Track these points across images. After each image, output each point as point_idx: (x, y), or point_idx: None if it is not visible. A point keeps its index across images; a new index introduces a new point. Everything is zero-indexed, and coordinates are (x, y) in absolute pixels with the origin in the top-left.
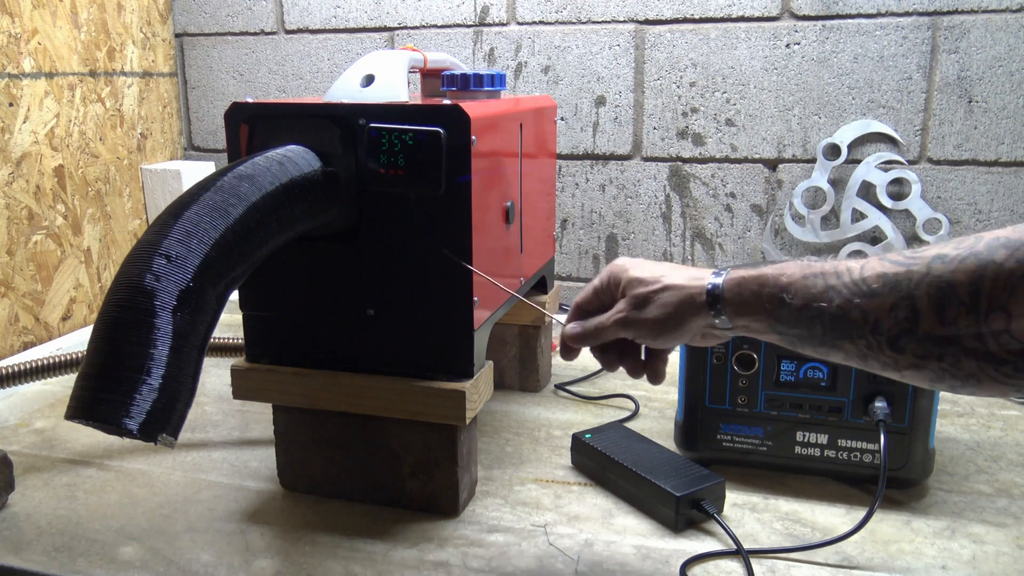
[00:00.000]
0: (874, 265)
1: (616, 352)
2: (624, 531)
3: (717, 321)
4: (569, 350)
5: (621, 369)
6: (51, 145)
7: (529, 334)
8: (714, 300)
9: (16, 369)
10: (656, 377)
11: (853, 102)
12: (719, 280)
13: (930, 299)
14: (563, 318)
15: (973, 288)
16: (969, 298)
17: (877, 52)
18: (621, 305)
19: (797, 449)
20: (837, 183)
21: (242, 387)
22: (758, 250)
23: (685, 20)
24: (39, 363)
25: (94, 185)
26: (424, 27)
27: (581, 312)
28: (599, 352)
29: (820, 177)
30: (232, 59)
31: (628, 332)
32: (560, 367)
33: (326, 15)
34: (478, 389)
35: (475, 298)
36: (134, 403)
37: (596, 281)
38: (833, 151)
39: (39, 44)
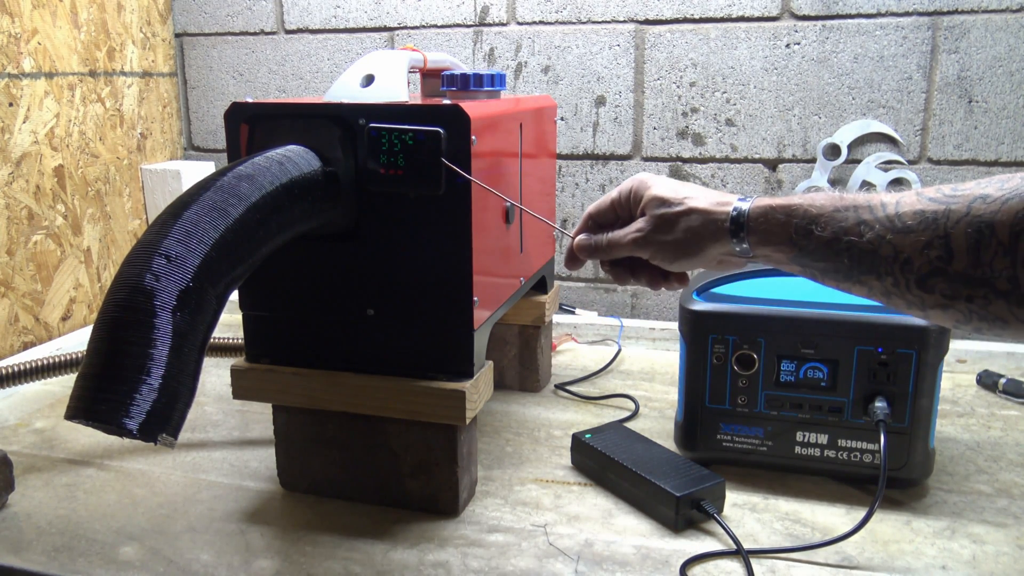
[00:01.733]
0: (911, 201)
1: (628, 268)
2: (624, 531)
3: (738, 249)
4: (575, 260)
5: (622, 368)
6: (51, 145)
7: (529, 334)
8: (738, 227)
9: (16, 369)
10: (681, 281)
11: (853, 102)
12: (745, 206)
13: (967, 239)
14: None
15: (1015, 230)
16: (1009, 240)
17: (877, 52)
18: (640, 224)
19: (797, 449)
20: (837, 183)
21: (242, 387)
22: None
23: (685, 20)
24: (39, 363)
25: (94, 185)
26: (424, 27)
27: (593, 223)
28: (609, 266)
29: (820, 177)
30: (232, 59)
31: (644, 252)
32: (560, 367)
33: (326, 15)
34: (478, 389)
35: (475, 298)
36: (134, 403)
37: (614, 192)
38: (833, 151)
39: (39, 44)
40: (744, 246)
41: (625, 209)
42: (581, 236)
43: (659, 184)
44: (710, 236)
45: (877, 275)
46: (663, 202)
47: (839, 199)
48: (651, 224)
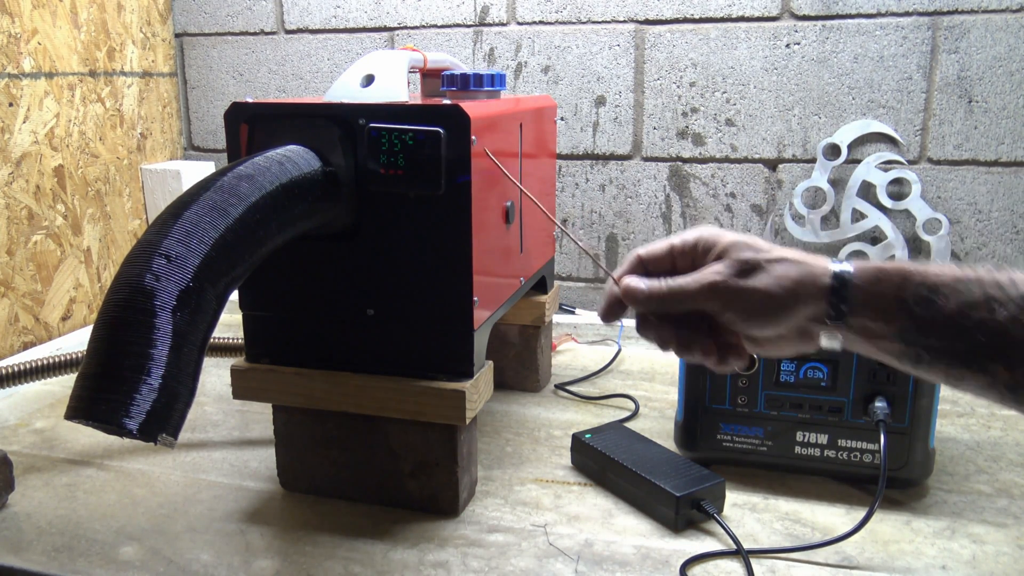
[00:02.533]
0: None
1: (675, 327)
2: (624, 531)
3: (833, 312)
4: (618, 309)
5: (622, 368)
6: (51, 145)
7: (529, 334)
8: (841, 285)
9: (16, 369)
10: (743, 360)
11: (853, 102)
12: (848, 267)
13: None
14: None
15: None
16: None
17: (877, 52)
18: (719, 267)
19: (797, 449)
20: (837, 183)
21: (242, 387)
22: None
23: (685, 20)
24: (39, 363)
25: (94, 185)
26: (424, 27)
27: (643, 269)
28: (655, 323)
29: (820, 177)
30: (232, 59)
31: (716, 303)
32: (560, 367)
33: (326, 15)
34: (478, 389)
35: (475, 298)
36: (134, 403)
37: (675, 239)
38: (833, 151)
39: (39, 44)
40: (843, 308)
41: (687, 259)
42: (633, 279)
43: (738, 234)
44: (804, 291)
45: (1007, 363)
46: (748, 247)
47: (958, 269)
48: (733, 268)
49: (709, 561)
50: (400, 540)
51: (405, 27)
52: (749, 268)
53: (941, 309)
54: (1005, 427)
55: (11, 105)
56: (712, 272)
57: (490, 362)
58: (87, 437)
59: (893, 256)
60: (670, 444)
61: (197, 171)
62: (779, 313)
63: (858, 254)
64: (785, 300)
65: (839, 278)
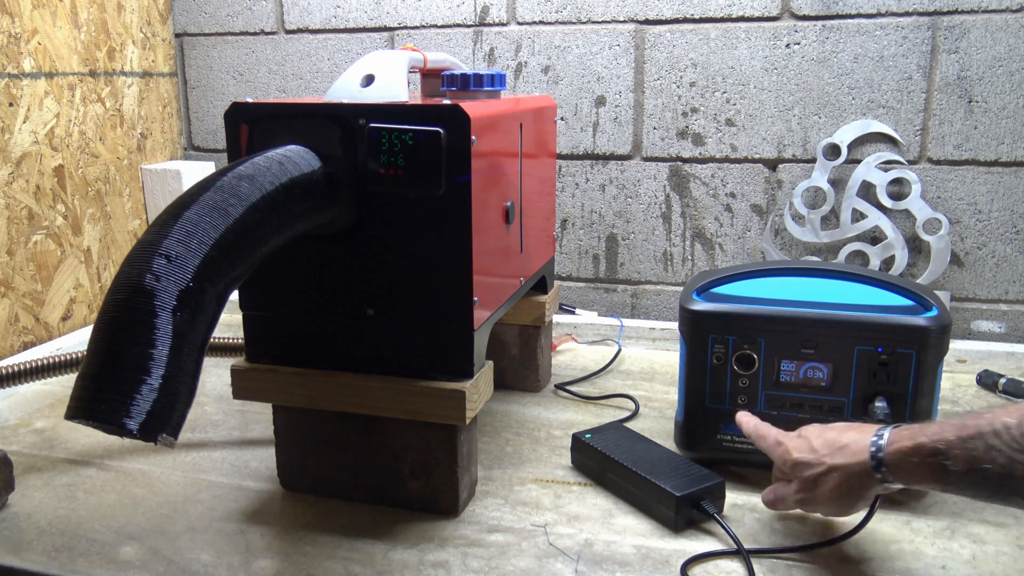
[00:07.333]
0: None
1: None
2: (624, 531)
3: (892, 487)
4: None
5: (622, 368)
6: (51, 145)
7: (529, 334)
8: (884, 474)
9: (16, 369)
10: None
11: (853, 102)
12: (882, 454)
13: None
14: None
15: None
16: None
17: (877, 52)
18: (796, 486)
19: None
20: (837, 183)
21: (242, 387)
22: (758, 250)
23: (685, 20)
24: (39, 363)
25: (94, 185)
26: (424, 27)
27: (780, 473)
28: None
29: (820, 177)
30: (232, 59)
31: (809, 509)
32: (560, 367)
33: (326, 15)
34: (478, 389)
35: (475, 298)
36: (134, 403)
37: (776, 469)
38: (833, 151)
39: (39, 44)
40: (895, 484)
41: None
42: (767, 491)
43: (798, 448)
44: (859, 485)
45: (1020, 494)
46: (806, 465)
47: (963, 427)
48: (803, 487)
49: (709, 561)
50: (400, 540)
51: (405, 27)
52: (811, 485)
53: (955, 473)
54: None
55: (11, 105)
56: (795, 491)
57: (490, 362)
58: (87, 437)
59: (892, 256)
60: (670, 444)
61: (197, 171)
62: (850, 504)
63: (858, 254)
64: (848, 498)
65: (878, 469)
